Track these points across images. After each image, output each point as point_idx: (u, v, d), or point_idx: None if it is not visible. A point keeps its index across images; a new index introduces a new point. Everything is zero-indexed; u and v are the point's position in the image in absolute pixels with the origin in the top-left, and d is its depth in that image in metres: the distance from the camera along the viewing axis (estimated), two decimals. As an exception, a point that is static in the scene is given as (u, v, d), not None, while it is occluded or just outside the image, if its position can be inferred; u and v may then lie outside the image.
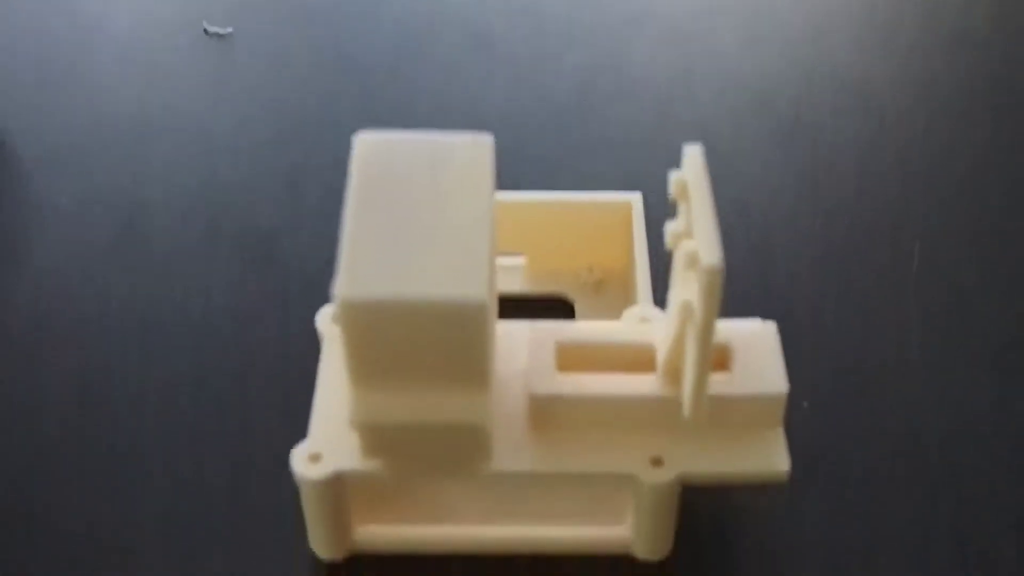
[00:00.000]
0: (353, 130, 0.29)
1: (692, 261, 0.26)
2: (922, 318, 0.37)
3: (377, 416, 0.27)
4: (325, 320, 0.32)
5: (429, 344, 0.26)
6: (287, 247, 0.38)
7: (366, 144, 0.28)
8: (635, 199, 0.35)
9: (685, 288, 0.27)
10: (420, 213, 0.26)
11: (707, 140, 0.28)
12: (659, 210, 0.35)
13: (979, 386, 0.35)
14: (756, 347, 0.29)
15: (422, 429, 0.27)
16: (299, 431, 0.29)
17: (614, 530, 0.31)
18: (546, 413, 0.29)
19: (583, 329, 0.31)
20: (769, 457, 0.29)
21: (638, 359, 0.30)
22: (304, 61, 0.45)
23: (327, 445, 0.29)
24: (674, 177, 0.27)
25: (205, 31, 0.45)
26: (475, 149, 0.27)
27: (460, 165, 0.27)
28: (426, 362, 0.26)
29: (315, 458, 0.29)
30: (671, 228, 0.28)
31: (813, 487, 0.32)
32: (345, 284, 0.25)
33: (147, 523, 0.32)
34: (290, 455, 0.29)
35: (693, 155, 0.27)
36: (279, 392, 0.34)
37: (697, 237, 0.26)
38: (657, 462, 0.29)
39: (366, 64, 0.45)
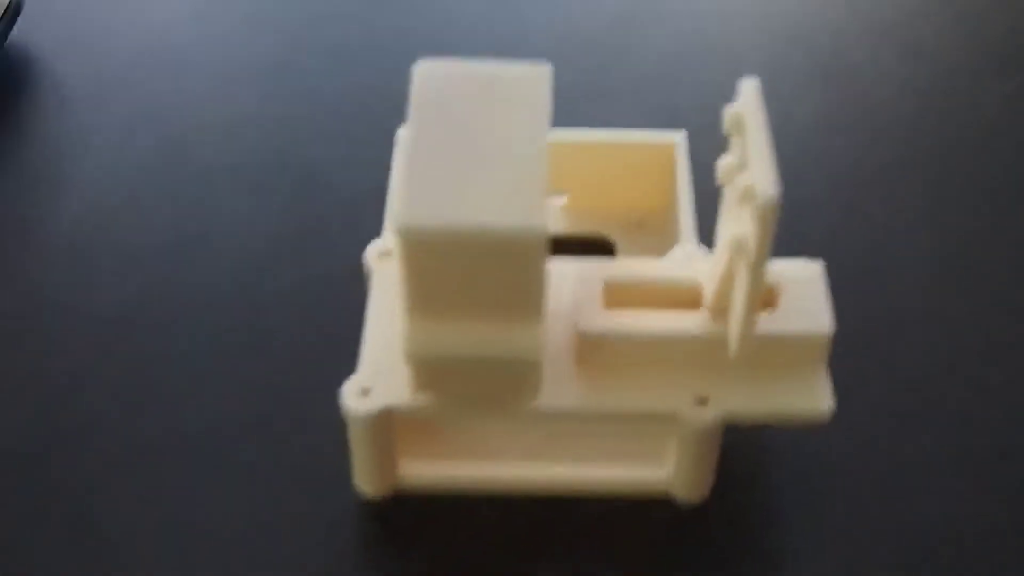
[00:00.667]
0: (396, 60, 0.29)
1: (747, 195, 0.26)
2: (944, 259, 0.37)
3: (432, 348, 0.27)
4: (374, 255, 0.32)
5: (486, 275, 0.26)
6: (333, 178, 0.38)
7: (425, 72, 0.28)
8: (678, 138, 0.35)
9: (737, 223, 0.27)
10: (479, 142, 0.26)
11: (745, 74, 0.28)
12: (699, 148, 0.35)
13: (995, 326, 0.35)
14: (802, 286, 0.30)
15: (476, 362, 0.27)
16: (347, 365, 0.29)
17: (654, 471, 0.31)
18: (593, 351, 0.29)
19: (630, 267, 0.31)
20: (813, 397, 0.29)
21: (685, 297, 0.30)
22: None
23: (377, 379, 0.29)
24: (729, 111, 0.27)
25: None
26: (533, 79, 0.27)
27: (518, 94, 0.27)
28: (482, 294, 0.26)
29: (365, 392, 0.29)
30: (723, 163, 0.28)
31: (846, 428, 0.32)
32: (405, 211, 0.25)
33: (190, 448, 0.32)
34: (340, 389, 0.29)
35: (750, 89, 0.27)
36: (326, 325, 0.34)
37: (753, 171, 0.26)
38: (702, 401, 0.29)
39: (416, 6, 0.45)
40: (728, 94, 0.28)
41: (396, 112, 0.36)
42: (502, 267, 0.26)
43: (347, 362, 0.30)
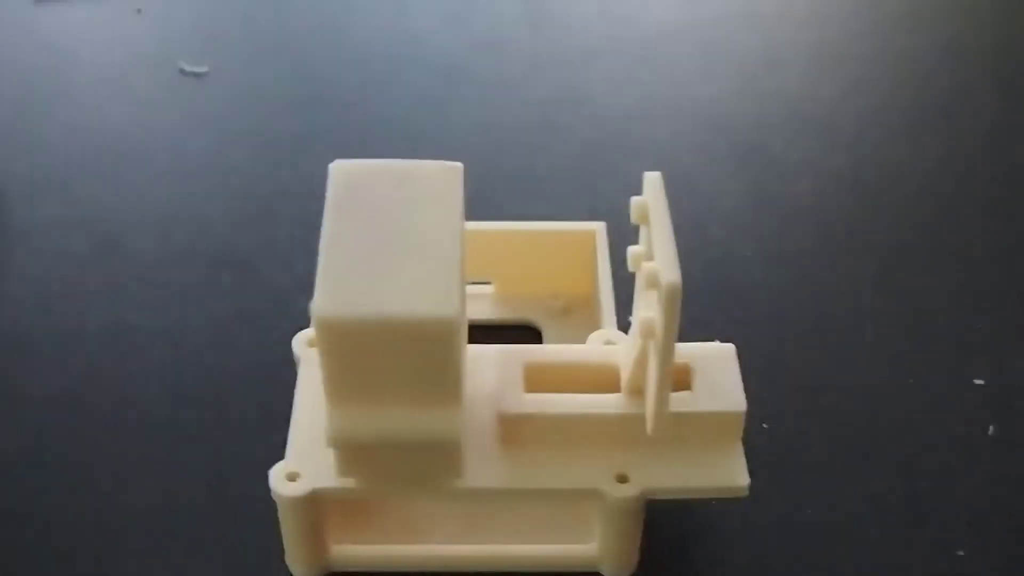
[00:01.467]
0: (324, 159, 0.30)
1: (653, 280, 0.27)
2: (879, 337, 0.38)
3: (353, 432, 0.28)
4: (302, 343, 0.33)
5: (403, 360, 0.27)
6: (262, 270, 0.40)
7: (341, 170, 0.29)
8: (599, 228, 0.37)
9: (647, 307, 0.28)
10: (393, 235, 0.27)
11: (666, 165, 0.29)
12: (622, 237, 0.36)
13: (939, 403, 0.36)
14: (716, 367, 0.31)
15: (397, 445, 0.28)
16: (277, 450, 0.30)
17: (582, 547, 0.32)
18: (515, 431, 0.30)
19: (549, 351, 0.32)
20: (730, 472, 0.30)
21: (603, 379, 0.31)
22: (276, 95, 0.46)
23: (304, 464, 0.30)
24: (635, 202, 0.29)
25: (181, 71, 0.46)
26: (446, 174, 0.29)
27: (431, 189, 0.28)
28: (401, 379, 0.27)
29: (293, 476, 0.30)
30: (633, 251, 0.29)
31: (774, 503, 0.33)
32: (322, 302, 0.26)
33: (124, 539, 0.32)
34: (269, 474, 0.30)
35: (652, 180, 0.29)
36: (257, 411, 0.35)
37: (657, 257, 0.27)
38: (622, 478, 0.30)
39: (335, 97, 0.46)
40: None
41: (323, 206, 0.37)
42: (418, 353, 0.27)
43: (280, 446, 0.30)
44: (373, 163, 0.29)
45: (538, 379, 0.31)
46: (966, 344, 0.38)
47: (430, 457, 0.29)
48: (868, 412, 0.36)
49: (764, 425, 0.35)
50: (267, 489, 0.30)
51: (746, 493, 0.30)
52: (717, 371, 0.31)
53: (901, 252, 0.41)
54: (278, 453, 0.30)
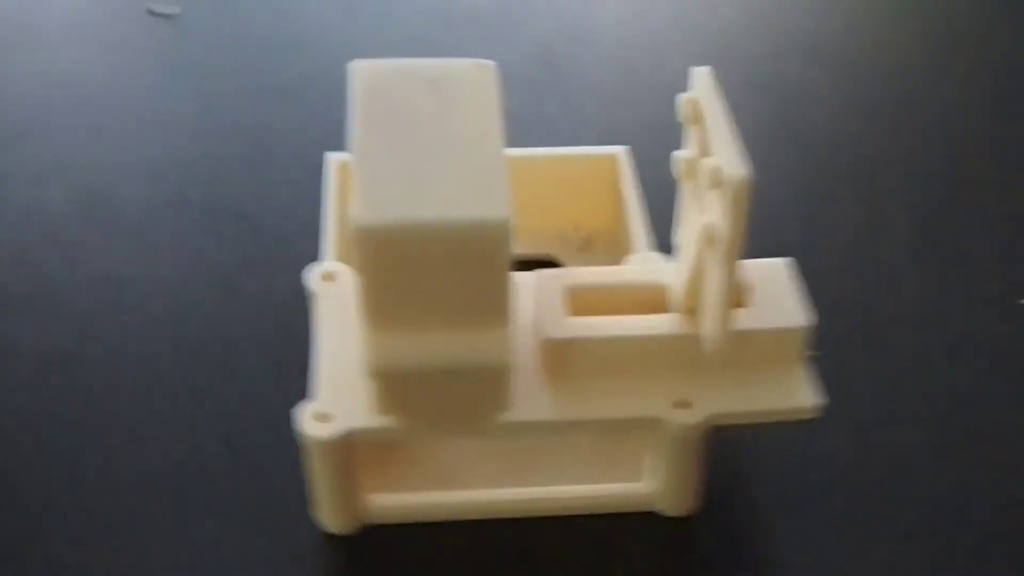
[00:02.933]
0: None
1: (715, 179, 0.25)
2: (914, 262, 0.36)
3: (395, 361, 0.25)
4: (316, 278, 0.30)
5: (451, 274, 0.24)
6: (258, 215, 0.37)
7: (363, 71, 0.26)
8: (620, 152, 0.34)
9: (703, 214, 0.26)
10: (431, 136, 0.25)
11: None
12: (639, 165, 0.34)
13: (976, 321, 0.35)
14: (773, 282, 0.29)
15: (444, 373, 0.26)
16: (292, 400, 0.28)
17: (635, 485, 0.29)
18: (561, 359, 0.28)
19: (592, 273, 0.29)
20: (797, 392, 0.28)
21: (650, 300, 0.29)
22: (255, 36, 0.44)
23: (335, 403, 0.27)
24: (684, 99, 0.26)
25: (150, 12, 0.43)
26: (478, 72, 0.26)
27: (466, 87, 0.26)
28: (447, 297, 0.25)
29: (323, 417, 0.27)
30: (680, 156, 0.27)
31: (831, 434, 0.31)
32: (364, 210, 0.24)
33: (133, 503, 0.30)
34: (295, 415, 0.27)
35: (702, 75, 0.26)
36: (267, 360, 0.33)
37: (718, 153, 0.25)
38: (683, 404, 0.28)
39: (320, 38, 0.44)
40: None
41: (317, 144, 0.35)
42: (467, 264, 0.24)
43: (295, 395, 0.28)
44: (397, 63, 0.27)
45: (581, 303, 0.29)
46: (1006, 265, 0.36)
47: (477, 388, 0.26)
48: (915, 341, 0.34)
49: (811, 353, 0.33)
50: (285, 441, 0.27)
51: (815, 414, 0.28)
52: (775, 287, 0.29)
53: (929, 179, 0.39)
54: (294, 403, 0.27)
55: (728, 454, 0.30)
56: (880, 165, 0.40)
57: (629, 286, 0.29)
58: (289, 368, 0.31)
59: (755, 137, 0.40)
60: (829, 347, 0.32)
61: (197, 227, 0.36)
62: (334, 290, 0.30)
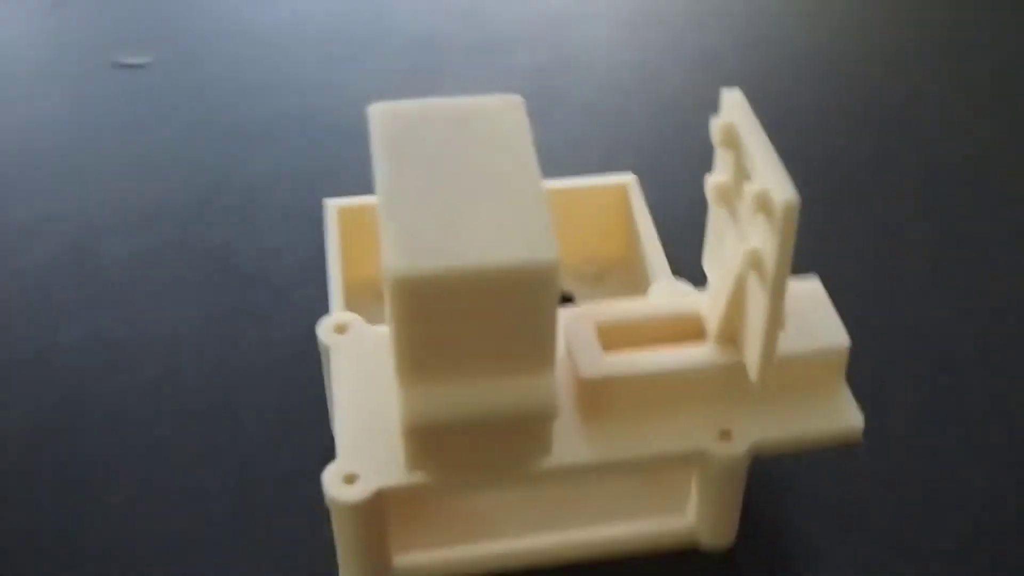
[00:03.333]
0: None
1: (763, 204, 0.24)
2: (931, 268, 0.36)
3: (434, 414, 0.24)
4: (327, 331, 0.29)
5: (494, 320, 0.23)
6: (246, 261, 0.36)
7: (384, 113, 0.25)
8: (629, 180, 0.33)
9: (746, 238, 0.25)
10: (463, 176, 0.24)
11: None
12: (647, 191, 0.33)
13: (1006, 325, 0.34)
14: (806, 303, 0.28)
15: (485, 423, 0.24)
16: (301, 452, 0.26)
17: (677, 521, 0.28)
18: (598, 398, 0.27)
19: (622, 307, 0.28)
20: (842, 415, 0.27)
21: (684, 331, 0.28)
22: (227, 82, 0.42)
23: (362, 461, 0.26)
24: (718, 123, 0.26)
25: (117, 64, 0.41)
26: (507, 108, 0.25)
27: (494, 123, 0.25)
28: (488, 344, 0.23)
29: (351, 478, 0.26)
30: (714, 181, 0.26)
31: (868, 452, 0.30)
32: (397, 259, 0.22)
33: (162, 552, 0.28)
34: (309, 472, 0.26)
35: (736, 99, 0.25)
36: (273, 417, 0.31)
37: (763, 176, 0.24)
38: (726, 435, 0.27)
39: (297, 79, 0.42)
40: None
41: (300, 188, 0.33)
42: (511, 308, 0.23)
43: (307, 448, 0.26)
44: (419, 103, 0.25)
45: (614, 339, 0.27)
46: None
47: (517, 435, 0.25)
48: (942, 350, 0.33)
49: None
50: (299, 501, 0.26)
51: (860, 437, 0.27)
52: (809, 308, 0.28)
53: (939, 185, 0.39)
54: (305, 460, 0.26)
55: (763, 479, 0.29)
56: (878, 175, 0.39)
57: (662, 318, 0.28)
58: (296, 424, 0.30)
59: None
60: (859, 364, 0.32)
61: (185, 279, 0.35)
62: (348, 342, 0.28)
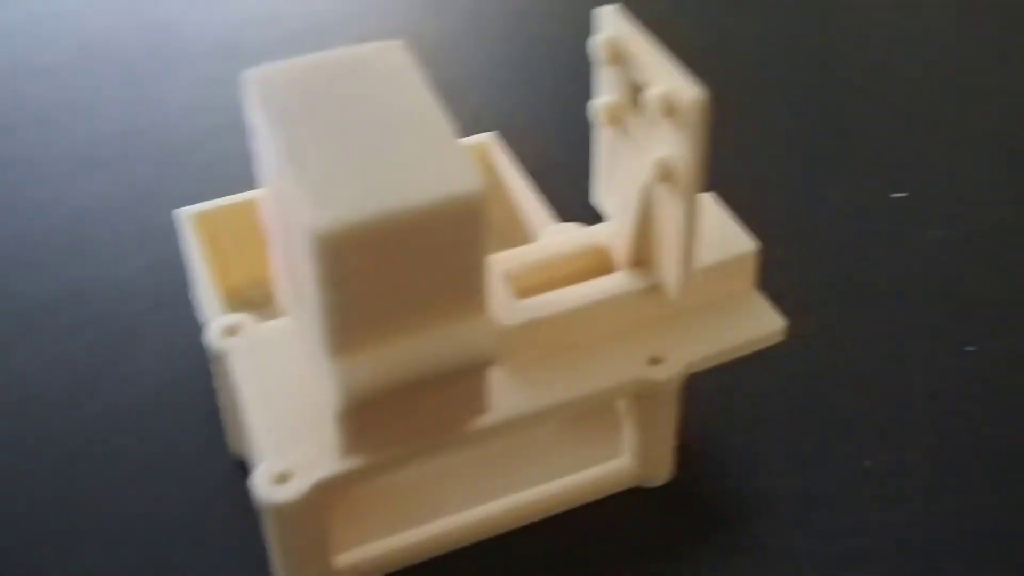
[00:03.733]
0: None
1: (668, 105, 0.23)
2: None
3: (371, 381, 0.22)
4: (219, 336, 0.26)
5: (424, 267, 0.22)
6: (94, 298, 0.33)
7: (263, 78, 0.23)
8: (489, 139, 0.32)
9: (647, 150, 0.25)
10: (363, 124, 0.22)
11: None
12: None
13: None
14: (707, 216, 0.27)
15: (425, 381, 0.23)
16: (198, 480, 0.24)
17: (618, 462, 0.28)
18: (520, 345, 0.26)
19: (524, 252, 0.27)
20: (763, 319, 0.27)
21: (591, 265, 0.27)
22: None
23: (292, 458, 0.24)
24: (600, 40, 0.25)
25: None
26: (389, 52, 0.24)
27: (382, 69, 0.23)
28: (420, 294, 0.22)
29: (283, 477, 0.24)
30: (601, 102, 0.26)
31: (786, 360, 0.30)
32: (316, 217, 0.21)
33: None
34: (251, 482, 0.24)
35: (613, 14, 0.25)
36: (157, 446, 0.29)
37: (664, 80, 0.23)
38: (656, 360, 0.26)
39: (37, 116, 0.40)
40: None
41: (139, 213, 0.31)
42: (441, 250, 0.22)
43: (211, 472, 0.25)
44: (297, 61, 0.24)
45: (523, 285, 0.26)
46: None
47: (454, 393, 0.24)
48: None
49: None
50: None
51: (783, 336, 0.27)
52: (709, 219, 0.27)
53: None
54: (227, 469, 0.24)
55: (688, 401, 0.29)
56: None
57: (567, 256, 0.27)
58: (189, 452, 0.28)
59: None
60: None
61: (31, 328, 0.32)
62: (243, 343, 0.26)
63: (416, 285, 0.22)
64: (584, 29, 0.26)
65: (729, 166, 0.32)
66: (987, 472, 0.28)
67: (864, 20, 0.45)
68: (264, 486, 0.24)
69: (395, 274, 0.22)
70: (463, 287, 0.22)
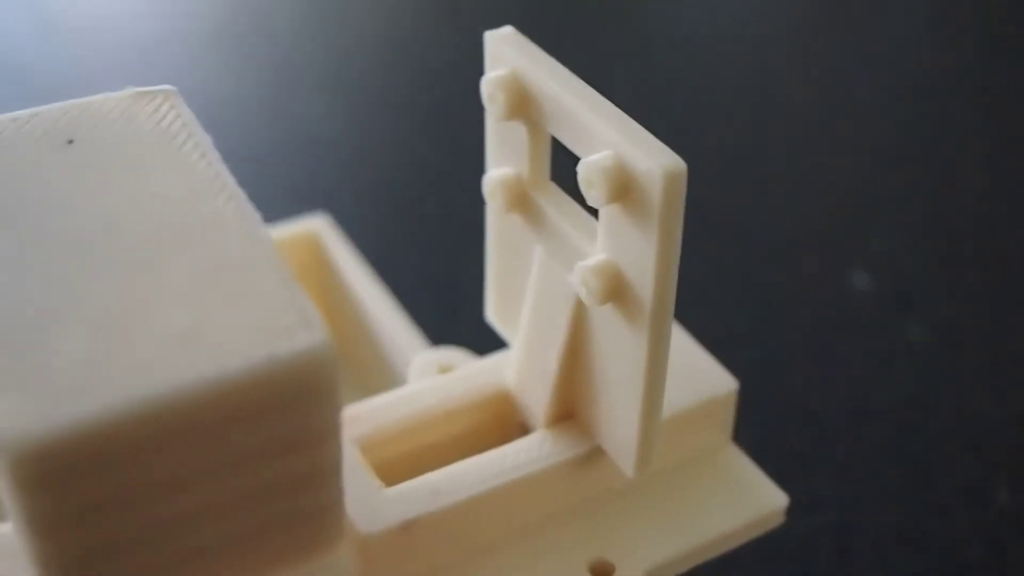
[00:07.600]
0: None
1: (618, 183, 0.14)
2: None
3: None
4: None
5: (219, 488, 0.12)
6: None
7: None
8: (319, 224, 0.23)
9: (576, 250, 0.16)
10: (100, 235, 0.12)
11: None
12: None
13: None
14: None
15: None
16: None
17: None
18: (392, 561, 0.16)
19: (385, 405, 0.18)
20: (752, 491, 0.18)
21: (489, 422, 0.18)
22: None
23: None
24: (493, 79, 0.16)
25: None
26: (151, 104, 0.14)
27: (139, 132, 0.14)
28: (213, 535, 0.12)
29: None
30: (498, 174, 0.16)
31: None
32: (4, 419, 0.11)
33: None
34: None
35: (511, 37, 0.16)
36: None
37: (605, 139, 0.14)
38: (601, 568, 0.17)
39: None
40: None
41: None
42: (254, 456, 0.12)
43: None
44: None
45: (388, 458, 0.17)
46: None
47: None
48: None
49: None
50: None
51: (783, 518, 0.18)
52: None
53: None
54: None
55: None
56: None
57: (450, 409, 0.18)
58: None
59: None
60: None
61: None
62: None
63: (204, 521, 0.12)
64: (469, 58, 0.17)
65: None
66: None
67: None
68: None
69: (164, 506, 0.12)
70: (301, 506, 0.13)
